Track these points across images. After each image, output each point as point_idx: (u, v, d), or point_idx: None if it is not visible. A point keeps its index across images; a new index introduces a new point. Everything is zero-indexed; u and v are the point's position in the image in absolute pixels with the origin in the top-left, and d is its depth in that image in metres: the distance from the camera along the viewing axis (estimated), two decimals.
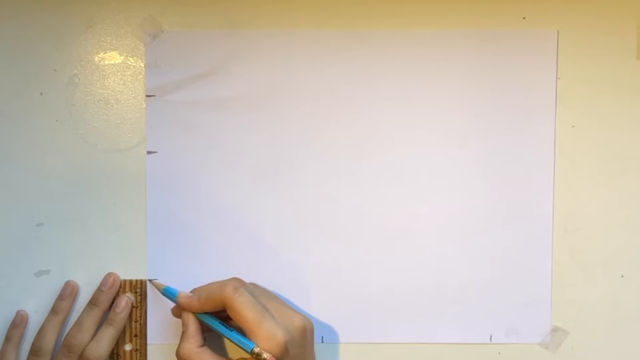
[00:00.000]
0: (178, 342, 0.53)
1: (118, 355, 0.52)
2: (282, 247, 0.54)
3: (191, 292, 0.50)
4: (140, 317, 0.53)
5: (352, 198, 0.54)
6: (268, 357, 0.44)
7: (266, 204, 0.53)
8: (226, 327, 0.48)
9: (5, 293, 0.53)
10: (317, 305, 0.54)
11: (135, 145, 0.53)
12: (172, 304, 0.52)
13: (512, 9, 0.53)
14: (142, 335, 0.53)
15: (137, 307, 0.53)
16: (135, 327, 0.53)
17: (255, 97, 0.53)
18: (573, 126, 0.54)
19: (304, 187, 0.53)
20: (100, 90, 0.53)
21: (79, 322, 0.51)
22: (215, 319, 0.49)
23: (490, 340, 0.54)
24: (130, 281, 0.53)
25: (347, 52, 0.53)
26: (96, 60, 0.53)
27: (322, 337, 0.54)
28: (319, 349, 0.54)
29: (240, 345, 0.46)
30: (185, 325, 0.49)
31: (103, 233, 0.53)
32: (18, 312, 0.53)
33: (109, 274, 0.53)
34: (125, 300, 0.52)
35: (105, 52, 0.53)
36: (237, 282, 0.48)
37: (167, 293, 0.51)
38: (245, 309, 0.45)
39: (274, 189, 0.53)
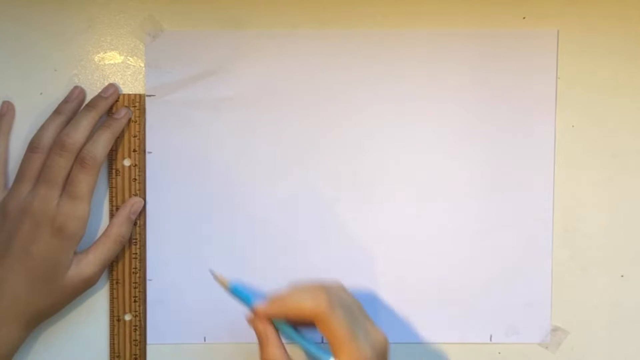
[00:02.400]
0: (178, 342, 0.54)
1: (117, 170, 0.52)
2: (282, 247, 0.54)
3: (272, 298, 0.45)
4: (139, 132, 0.52)
5: (352, 198, 0.54)
6: None
7: (266, 203, 0.53)
8: (302, 336, 0.45)
9: None
10: None
11: None
12: (174, 304, 0.52)
13: (512, 9, 0.53)
14: (141, 150, 0.52)
15: (135, 122, 0.52)
16: (134, 142, 0.52)
17: (255, 97, 0.53)
18: (573, 126, 0.54)
19: (303, 187, 0.53)
20: None
21: (74, 122, 0.50)
22: (288, 325, 0.45)
23: (490, 340, 0.54)
24: (129, 95, 0.52)
25: (347, 52, 0.53)
26: (96, 60, 0.53)
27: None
28: None
29: (317, 358, 0.44)
30: (266, 333, 0.44)
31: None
32: (3, 102, 0.52)
33: (111, 84, 0.52)
34: (126, 111, 0.51)
35: (105, 52, 0.53)
36: (328, 296, 0.43)
37: (239, 294, 0.47)
38: (338, 327, 0.42)
39: (274, 189, 0.53)
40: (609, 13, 0.53)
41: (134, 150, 0.52)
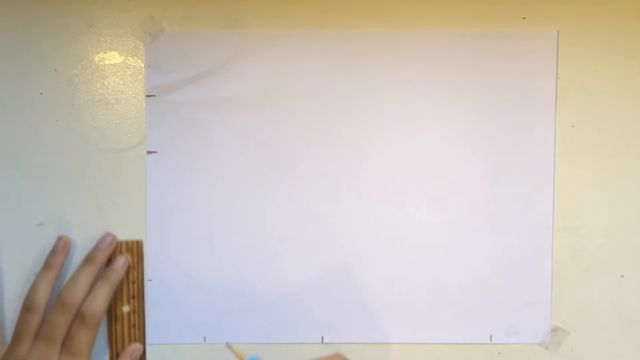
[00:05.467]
0: (178, 342, 0.54)
1: (116, 317, 0.52)
2: (282, 247, 0.54)
3: None
4: (138, 278, 0.53)
5: (352, 197, 0.54)
6: None
7: (266, 204, 0.53)
8: None
9: (5, 293, 0.53)
10: (317, 305, 0.54)
11: (135, 145, 0.53)
12: (174, 304, 0.52)
13: (512, 9, 0.53)
14: (140, 296, 0.53)
15: (134, 268, 0.53)
16: (132, 288, 0.53)
17: (255, 97, 0.53)
18: (573, 126, 0.54)
19: (303, 187, 0.53)
20: (100, 90, 0.53)
21: (73, 278, 0.50)
22: None
23: (490, 340, 0.54)
24: (127, 242, 0.53)
25: (347, 52, 0.53)
26: (96, 60, 0.53)
27: (322, 337, 0.54)
28: (319, 349, 0.54)
29: None
30: None
31: (103, 233, 0.53)
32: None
33: (107, 234, 0.52)
34: (124, 259, 0.52)
35: (105, 52, 0.53)
36: None
37: None
38: None
39: (274, 189, 0.53)
40: (609, 13, 0.53)
41: (133, 297, 0.53)
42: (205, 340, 0.54)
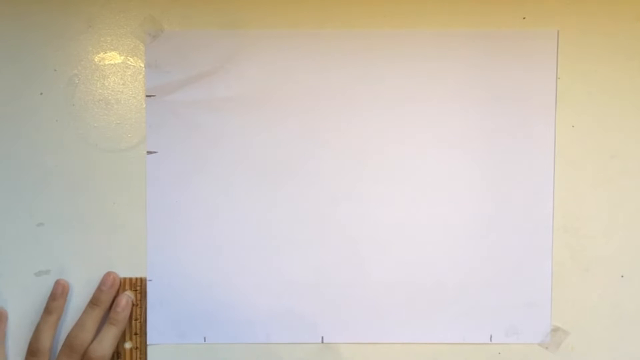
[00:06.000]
0: (178, 342, 0.54)
1: (118, 353, 0.53)
2: (282, 246, 0.54)
3: None
4: (140, 315, 0.53)
5: (352, 198, 0.54)
6: None
7: (266, 204, 0.53)
8: None
9: (5, 293, 0.53)
10: (317, 305, 0.54)
11: (135, 145, 0.53)
12: (174, 304, 0.52)
13: (512, 9, 0.53)
14: (142, 333, 0.53)
15: (137, 305, 0.53)
16: (135, 325, 0.53)
17: (255, 97, 0.53)
18: (573, 126, 0.54)
19: (303, 187, 0.53)
20: (100, 90, 0.53)
21: (80, 322, 0.51)
22: None
23: (490, 340, 0.54)
24: (130, 279, 0.53)
25: (347, 53, 0.53)
26: (96, 60, 0.53)
27: (322, 337, 0.54)
28: (319, 349, 0.54)
29: None
30: None
31: (103, 233, 0.53)
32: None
33: (108, 273, 0.53)
34: (126, 299, 0.52)
35: (105, 52, 0.53)
36: None
37: None
38: None
39: (274, 189, 0.53)
40: (609, 13, 0.53)
41: (135, 334, 0.53)
42: (205, 340, 0.54)
